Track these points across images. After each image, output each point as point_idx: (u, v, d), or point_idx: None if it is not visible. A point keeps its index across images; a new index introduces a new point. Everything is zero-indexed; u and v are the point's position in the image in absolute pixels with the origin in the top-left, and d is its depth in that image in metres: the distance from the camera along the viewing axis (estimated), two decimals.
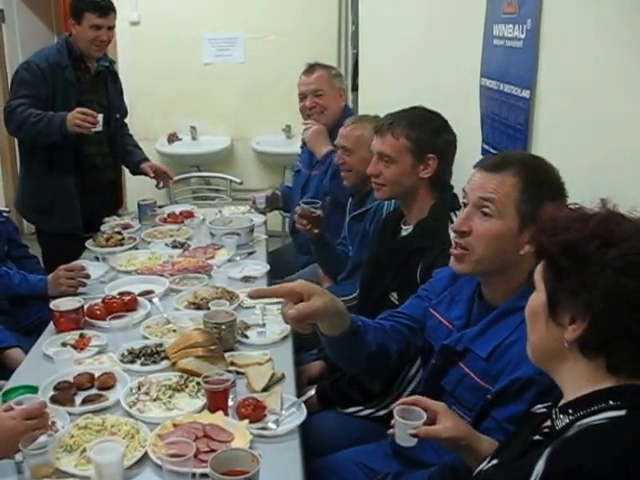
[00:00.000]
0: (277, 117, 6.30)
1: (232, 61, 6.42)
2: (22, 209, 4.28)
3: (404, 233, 2.64)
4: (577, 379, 1.31)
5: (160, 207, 4.37)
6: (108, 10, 3.88)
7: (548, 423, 1.34)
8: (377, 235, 2.89)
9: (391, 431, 1.74)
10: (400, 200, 2.73)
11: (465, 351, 1.89)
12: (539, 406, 1.49)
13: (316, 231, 3.29)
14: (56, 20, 7.12)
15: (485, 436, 1.72)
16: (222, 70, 6.42)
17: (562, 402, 1.33)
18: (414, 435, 1.69)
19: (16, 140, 4.26)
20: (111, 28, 3.94)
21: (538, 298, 1.37)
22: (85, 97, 3.93)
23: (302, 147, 4.21)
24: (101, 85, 4.11)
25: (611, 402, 1.24)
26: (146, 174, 4.29)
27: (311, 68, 3.95)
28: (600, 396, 1.26)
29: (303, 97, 3.92)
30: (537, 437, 1.35)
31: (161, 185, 4.40)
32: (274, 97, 6.27)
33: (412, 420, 1.71)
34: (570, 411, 1.28)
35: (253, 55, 6.35)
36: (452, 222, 2.44)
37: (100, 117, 3.72)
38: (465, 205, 1.91)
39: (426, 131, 2.56)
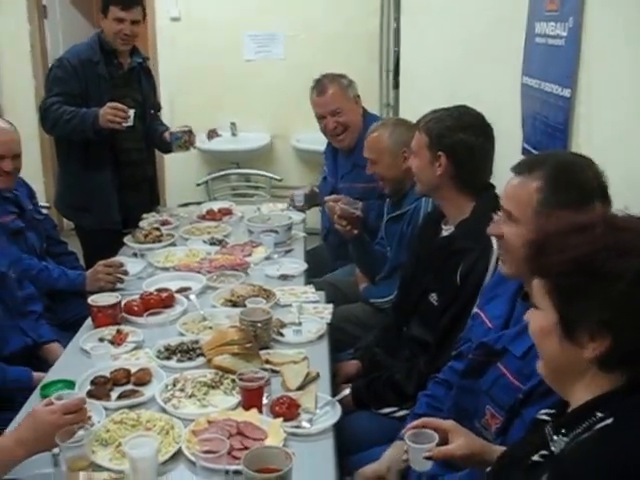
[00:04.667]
0: None
1: (272, 57, 6.42)
2: (60, 206, 4.32)
3: (445, 233, 2.62)
4: (593, 394, 1.28)
5: (199, 204, 4.39)
6: (132, 4, 3.90)
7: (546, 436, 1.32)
8: (418, 235, 2.87)
9: (405, 457, 1.78)
10: (433, 198, 2.74)
11: (503, 351, 1.88)
12: (542, 412, 1.47)
13: (355, 232, 3.28)
14: (97, 15, 7.17)
15: (499, 447, 1.71)
16: (262, 67, 6.42)
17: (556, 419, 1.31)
18: (428, 457, 1.71)
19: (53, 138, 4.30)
20: (136, 22, 3.94)
21: (546, 318, 1.32)
22: (119, 92, 3.96)
23: (325, 153, 4.20)
24: (135, 81, 4.14)
25: (599, 414, 1.22)
26: (167, 141, 4.18)
27: (321, 86, 3.86)
28: (588, 410, 1.24)
29: (321, 118, 3.89)
30: (536, 458, 1.32)
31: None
32: None
33: (424, 443, 1.72)
34: (563, 431, 1.27)
35: (293, 52, 6.33)
36: None
37: (131, 112, 3.75)
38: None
39: (442, 128, 2.53)
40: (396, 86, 5.29)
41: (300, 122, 6.40)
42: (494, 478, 1.48)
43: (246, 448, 1.87)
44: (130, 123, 3.75)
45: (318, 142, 6.18)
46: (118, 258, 3.36)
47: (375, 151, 3.24)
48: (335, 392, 2.32)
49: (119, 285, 3.12)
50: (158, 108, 4.42)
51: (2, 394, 2.58)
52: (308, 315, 2.77)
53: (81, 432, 1.90)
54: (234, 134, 6.54)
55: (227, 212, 4.10)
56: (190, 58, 6.33)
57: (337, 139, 3.88)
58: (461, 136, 2.50)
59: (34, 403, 2.22)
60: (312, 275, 3.40)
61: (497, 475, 1.47)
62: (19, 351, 2.81)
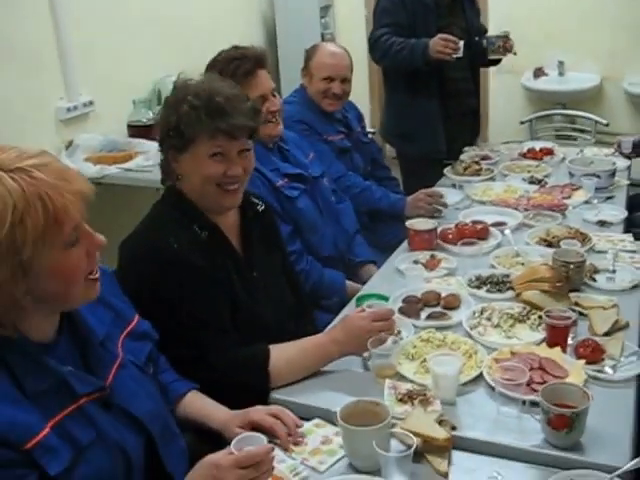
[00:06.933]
0: None
1: None
2: (386, 133, 4.48)
3: None
4: None
5: (520, 142, 4.38)
6: None
7: None
8: None
9: None
10: None
11: None
12: None
13: None
14: None
15: None
16: (597, 2, 6.04)
17: None
18: None
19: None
20: None
21: None
22: (444, 21, 4.00)
23: None
24: (458, 9, 4.14)
25: None
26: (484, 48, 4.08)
27: None
28: None
29: None
30: None
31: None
32: None
33: None
34: None
35: None
36: None
37: (461, 43, 3.77)
38: None
39: None
40: None
41: (636, 64, 6.06)
42: None
43: (545, 383, 1.90)
44: (460, 55, 3.79)
45: None
46: (439, 189, 3.47)
47: None
48: None
49: (436, 214, 3.24)
50: (484, 31, 4.33)
51: (319, 293, 2.85)
52: (623, 264, 2.68)
53: (390, 343, 2.05)
54: (561, 73, 6.30)
55: (548, 152, 4.04)
56: None
57: None
58: None
59: (349, 310, 2.44)
60: (631, 224, 3.28)
61: None
62: (331, 256, 3.05)
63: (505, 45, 4.02)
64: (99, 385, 1.52)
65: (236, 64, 2.77)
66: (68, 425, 1.41)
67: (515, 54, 4.10)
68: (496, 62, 4.29)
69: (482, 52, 4.11)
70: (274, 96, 2.94)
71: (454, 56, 3.79)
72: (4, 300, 1.35)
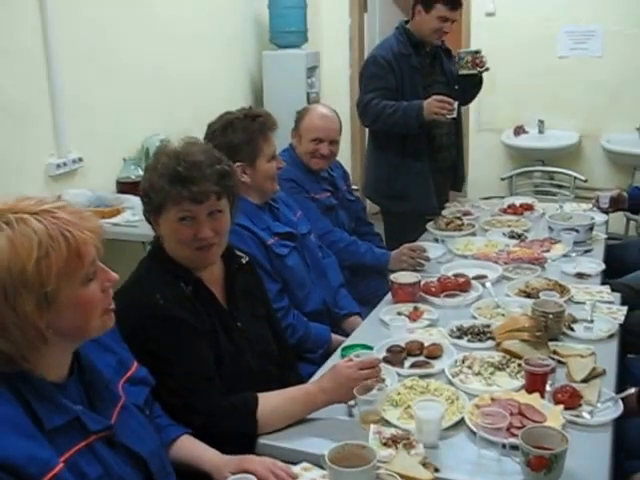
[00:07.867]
0: (632, 115, 6.06)
1: (588, 55, 6.27)
2: (373, 194, 4.51)
3: None
4: None
5: (501, 198, 4.48)
6: (458, 5, 4.05)
7: None
8: None
9: None
10: None
11: None
12: None
13: None
14: (414, 8, 7.42)
15: None
16: (576, 64, 6.30)
17: None
18: None
19: (367, 130, 4.52)
20: (454, 22, 4.11)
21: None
22: (428, 80, 4.12)
23: None
24: (437, 65, 4.26)
25: None
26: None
27: None
28: None
29: None
30: None
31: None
32: (631, 94, 6.05)
33: None
34: None
35: (612, 49, 6.15)
36: None
37: (456, 104, 3.88)
38: None
39: None
40: None
41: (612, 122, 6.24)
42: None
43: (524, 427, 1.96)
44: (454, 115, 3.90)
45: (630, 144, 6.01)
46: (422, 244, 3.56)
47: None
48: (620, 392, 2.33)
49: (419, 267, 3.32)
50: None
51: (305, 346, 2.91)
52: (601, 314, 2.76)
53: (375, 391, 2.11)
54: (541, 131, 6.49)
55: (528, 207, 4.15)
56: (503, 53, 6.34)
57: None
58: None
59: (334, 360, 2.49)
60: (609, 276, 3.36)
61: None
62: (317, 310, 3.10)
63: (474, 60, 4.11)
64: (107, 424, 1.59)
65: (263, 120, 2.88)
66: (78, 461, 1.47)
67: (488, 70, 4.17)
68: (477, 88, 4.34)
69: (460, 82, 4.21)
70: None
71: (449, 117, 3.89)
72: (30, 333, 1.43)
